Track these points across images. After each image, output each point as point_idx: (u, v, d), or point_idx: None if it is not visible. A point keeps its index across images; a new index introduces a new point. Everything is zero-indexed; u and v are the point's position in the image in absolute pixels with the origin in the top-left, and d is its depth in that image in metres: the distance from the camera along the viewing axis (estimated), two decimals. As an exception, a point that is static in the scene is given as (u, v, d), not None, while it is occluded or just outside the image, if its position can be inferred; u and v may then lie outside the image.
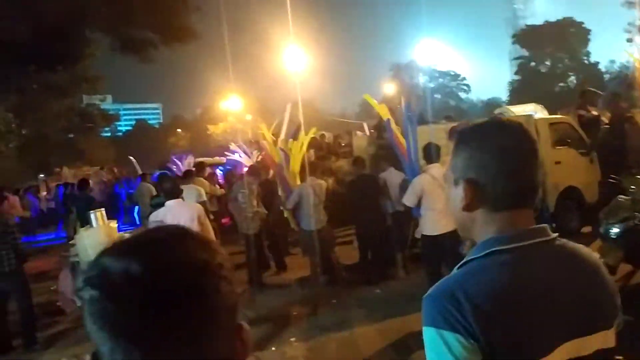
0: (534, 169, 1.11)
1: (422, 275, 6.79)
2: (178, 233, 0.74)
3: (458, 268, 1.08)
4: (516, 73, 59.53)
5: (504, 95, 63.02)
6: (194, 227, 4.85)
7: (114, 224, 5.67)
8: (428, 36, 61.37)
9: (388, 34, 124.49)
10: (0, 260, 5.58)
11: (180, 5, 16.99)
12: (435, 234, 5.26)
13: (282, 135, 8.39)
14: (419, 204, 5.40)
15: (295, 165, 7.26)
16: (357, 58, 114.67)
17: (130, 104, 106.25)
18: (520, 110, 14.62)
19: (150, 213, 6.69)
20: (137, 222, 16.27)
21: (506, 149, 1.09)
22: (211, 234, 5.19)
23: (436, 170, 5.31)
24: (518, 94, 50.47)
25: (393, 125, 6.63)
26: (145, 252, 0.69)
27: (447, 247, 5.21)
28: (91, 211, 5.55)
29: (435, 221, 5.25)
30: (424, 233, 5.41)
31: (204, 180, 9.96)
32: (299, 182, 7.20)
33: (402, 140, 6.28)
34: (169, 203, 5.06)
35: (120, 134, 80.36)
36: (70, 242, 5.90)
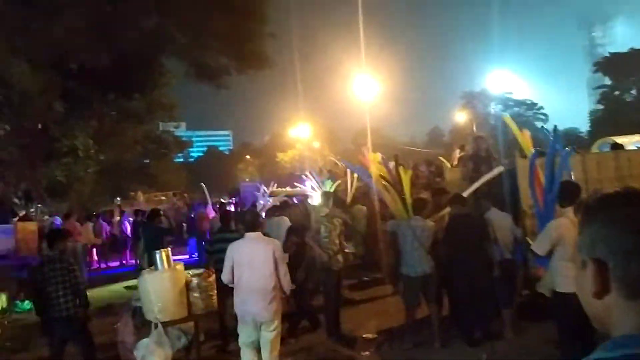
0: None
1: (534, 337, 5.71)
2: None
3: None
4: (599, 102, 56.15)
5: (582, 125, 59.61)
6: (270, 262, 4.72)
7: (180, 266, 4.98)
8: (501, 64, 59.55)
9: (460, 63, 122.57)
10: (57, 304, 5.02)
11: (256, 31, 16.83)
12: (573, 291, 4.18)
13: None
14: (549, 254, 4.37)
15: (407, 198, 6.32)
16: (426, 86, 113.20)
17: (202, 131, 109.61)
18: (626, 140, 13.12)
19: (211, 247, 6.58)
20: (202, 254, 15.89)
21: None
22: (287, 274, 4.90)
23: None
24: (601, 124, 47.43)
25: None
26: None
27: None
28: (157, 250, 4.91)
29: (572, 276, 4.18)
30: (558, 290, 4.33)
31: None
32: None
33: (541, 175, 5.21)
34: (248, 235, 4.92)
35: (192, 159, 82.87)
36: (132, 286, 5.28)
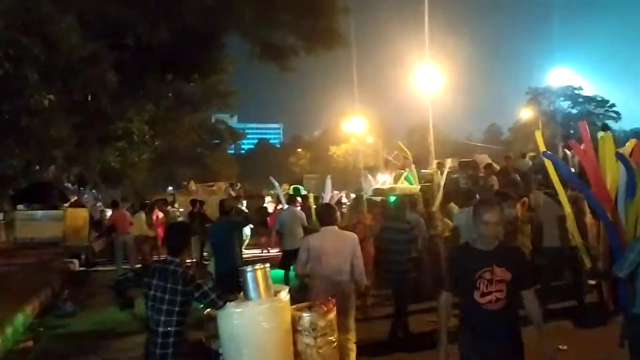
0: None
1: None
2: None
3: None
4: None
5: (655, 125, 54.69)
6: (348, 256, 4.73)
7: (285, 295, 3.13)
8: (568, 61, 55.97)
9: (520, 58, 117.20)
10: (155, 333, 3.22)
11: (328, 6, 14.98)
12: None
13: None
14: None
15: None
16: (484, 82, 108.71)
17: (253, 124, 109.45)
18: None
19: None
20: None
21: None
22: (363, 268, 4.83)
23: None
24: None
25: None
26: None
27: None
28: (248, 268, 3.09)
29: None
30: None
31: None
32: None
33: None
34: (326, 228, 4.90)
35: (243, 151, 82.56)
36: (204, 313, 3.50)
